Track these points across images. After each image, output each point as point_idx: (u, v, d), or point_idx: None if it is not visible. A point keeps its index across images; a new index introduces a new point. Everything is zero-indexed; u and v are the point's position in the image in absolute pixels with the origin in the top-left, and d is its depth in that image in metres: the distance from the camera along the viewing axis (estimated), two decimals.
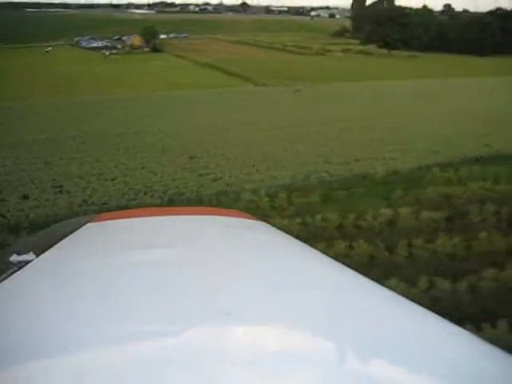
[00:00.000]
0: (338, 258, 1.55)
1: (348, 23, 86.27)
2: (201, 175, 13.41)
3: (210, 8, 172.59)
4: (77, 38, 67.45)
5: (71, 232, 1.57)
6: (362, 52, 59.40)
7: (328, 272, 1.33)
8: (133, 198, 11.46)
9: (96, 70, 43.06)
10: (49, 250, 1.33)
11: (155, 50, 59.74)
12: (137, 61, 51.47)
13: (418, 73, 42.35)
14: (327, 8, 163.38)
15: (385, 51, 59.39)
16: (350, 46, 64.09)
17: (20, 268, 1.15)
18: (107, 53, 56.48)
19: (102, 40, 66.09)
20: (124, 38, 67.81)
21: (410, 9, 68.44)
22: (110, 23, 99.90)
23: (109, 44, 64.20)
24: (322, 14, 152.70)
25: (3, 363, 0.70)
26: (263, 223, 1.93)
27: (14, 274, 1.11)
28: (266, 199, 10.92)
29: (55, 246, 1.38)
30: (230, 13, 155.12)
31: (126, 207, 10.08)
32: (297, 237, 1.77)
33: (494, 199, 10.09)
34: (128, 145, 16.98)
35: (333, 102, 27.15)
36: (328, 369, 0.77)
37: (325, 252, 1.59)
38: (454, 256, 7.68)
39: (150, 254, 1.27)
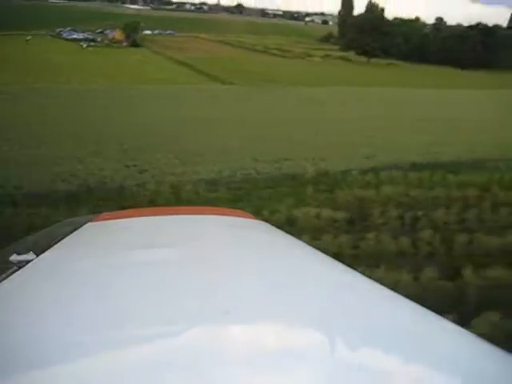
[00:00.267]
0: None
1: (335, 30, 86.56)
2: (127, 166, 13.41)
3: (205, 8, 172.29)
4: (58, 29, 67.08)
5: (71, 232, 1.58)
6: (341, 58, 59.53)
7: (328, 271, 1.35)
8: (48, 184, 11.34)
9: (68, 60, 42.97)
10: (49, 250, 1.33)
11: (135, 44, 59.45)
12: (112, 54, 51.37)
13: (392, 81, 42.43)
14: (322, 14, 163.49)
15: (364, 59, 59.58)
16: (330, 52, 64.16)
17: (20, 268, 1.15)
18: (85, 45, 56.20)
19: (83, 32, 65.73)
20: (107, 31, 67.61)
21: (396, 19, 68.73)
22: (102, 16, 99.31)
23: (90, 36, 63.86)
24: (316, 20, 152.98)
25: (3, 366, 0.69)
26: (263, 223, 1.96)
27: (14, 274, 1.10)
28: (170, 190, 10.96)
29: (55, 246, 1.39)
30: (224, 13, 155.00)
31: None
32: None
33: (405, 203, 10.19)
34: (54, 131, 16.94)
35: (293, 104, 27.13)
36: (326, 365, 0.76)
37: None
38: (338, 254, 7.50)
39: (150, 254, 1.29)
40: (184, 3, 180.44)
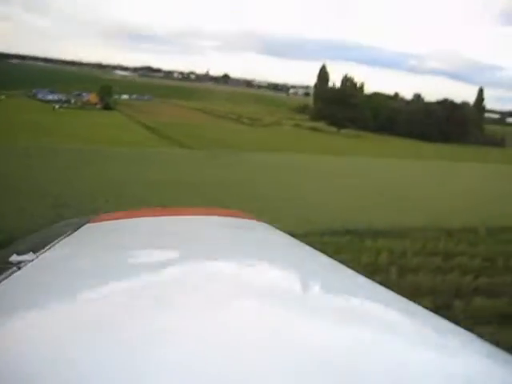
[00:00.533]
0: None
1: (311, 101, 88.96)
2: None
3: (193, 77, 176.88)
4: (35, 90, 68.27)
5: (71, 232, 1.58)
6: (311, 128, 60.72)
7: (328, 272, 1.35)
8: None
9: (36, 120, 43.40)
10: (49, 250, 1.33)
11: (108, 107, 60.49)
12: (82, 115, 52.09)
13: (352, 150, 43.15)
14: (306, 87, 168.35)
15: (333, 129, 60.91)
16: (301, 122, 65.59)
17: (20, 268, 1.15)
18: (57, 106, 57.19)
19: (58, 94, 66.95)
20: (84, 94, 68.86)
21: (374, 94, 70.75)
22: (86, 80, 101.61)
23: (63, 98, 65.03)
24: (299, 92, 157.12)
25: (3, 366, 0.68)
26: (264, 223, 1.96)
27: (14, 274, 1.10)
28: None
29: (55, 246, 1.38)
30: (211, 83, 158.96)
31: None
32: None
33: None
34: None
35: (243, 169, 27.30)
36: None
37: None
38: None
39: (149, 255, 1.30)
40: (172, 72, 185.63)
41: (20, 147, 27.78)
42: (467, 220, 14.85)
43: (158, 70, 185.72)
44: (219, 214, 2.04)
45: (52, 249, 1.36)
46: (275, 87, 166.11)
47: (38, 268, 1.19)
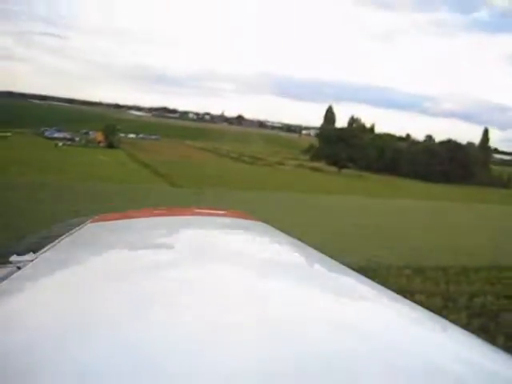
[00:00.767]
0: None
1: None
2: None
3: (207, 118, 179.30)
4: (43, 128, 69.71)
5: (71, 232, 1.59)
6: (312, 168, 60.72)
7: (327, 272, 1.36)
8: None
9: (37, 156, 44.03)
10: (49, 250, 1.34)
11: (111, 146, 61.29)
12: (83, 153, 52.62)
13: (348, 190, 42.82)
14: (318, 128, 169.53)
15: (334, 169, 60.85)
16: (305, 162, 65.63)
17: (20, 268, 1.15)
18: (60, 143, 58.17)
19: (65, 132, 68.41)
20: (90, 132, 70.10)
21: (381, 135, 70.73)
22: (98, 119, 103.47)
23: (69, 136, 66.45)
24: (312, 133, 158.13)
25: (3, 366, 0.68)
26: (263, 223, 1.97)
27: (14, 274, 1.10)
28: None
29: (55, 246, 1.40)
30: (225, 124, 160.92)
31: None
32: None
33: None
34: None
35: (226, 206, 27.14)
36: None
37: None
38: None
39: (149, 255, 1.31)
40: (187, 112, 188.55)
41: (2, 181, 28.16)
42: (443, 259, 14.59)
43: (174, 111, 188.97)
44: (218, 215, 2.09)
45: (52, 249, 1.37)
46: (289, 128, 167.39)
47: (38, 268, 1.19)
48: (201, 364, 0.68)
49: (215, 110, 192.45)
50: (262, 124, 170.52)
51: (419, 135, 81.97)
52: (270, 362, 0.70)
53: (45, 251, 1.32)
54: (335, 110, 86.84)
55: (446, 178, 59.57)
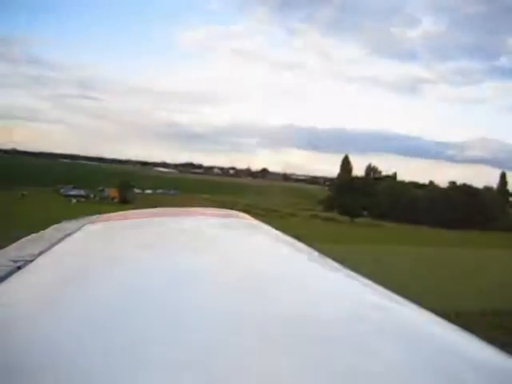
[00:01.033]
0: None
1: None
2: None
3: (232, 172, 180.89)
4: (61, 186, 71.34)
5: (71, 232, 1.63)
6: (325, 218, 60.11)
7: (326, 272, 1.37)
8: None
9: (42, 212, 44.64)
10: (49, 250, 1.36)
11: (125, 201, 61.89)
12: (92, 208, 53.28)
13: (354, 238, 42.02)
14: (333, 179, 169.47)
15: (347, 218, 60.09)
16: (318, 212, 65.10)
17: (20, 268, 1.16)
18: (74, 200, 59.90)
19: (81, 189, 70.25)
20: (106, 189, 71.24)
21: (393, 183, 69.99)
22: (124, 177, 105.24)
23: (84, 193, 68.22)
24: None
25: (3, 366, 0.68)
26: (262, 224, 2.00)
27: (14, 274, 1.11)
28: None
29: (55, 246, 1.42)
30: (249, 177, 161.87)
31: None
32: None
33: None
34: None
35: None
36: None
37: None
38: None
39: (149, 255, 1.32)
40: (212, 167, 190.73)
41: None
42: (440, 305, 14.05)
43: (199, 166, 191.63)
44: (217, 215, 2.11)
45: (52, 249, 1.37)
46: (313, 180, 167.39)
47: (38, 268, 1.19)
48: (200, 364, 0.67)
49: (240, 165, 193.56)
50: (286, 177, 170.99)
51: (443, 182, 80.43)
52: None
53: (45, 251, 1.32)
54: (362, 160, 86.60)
55: (462, 223, 58.09)
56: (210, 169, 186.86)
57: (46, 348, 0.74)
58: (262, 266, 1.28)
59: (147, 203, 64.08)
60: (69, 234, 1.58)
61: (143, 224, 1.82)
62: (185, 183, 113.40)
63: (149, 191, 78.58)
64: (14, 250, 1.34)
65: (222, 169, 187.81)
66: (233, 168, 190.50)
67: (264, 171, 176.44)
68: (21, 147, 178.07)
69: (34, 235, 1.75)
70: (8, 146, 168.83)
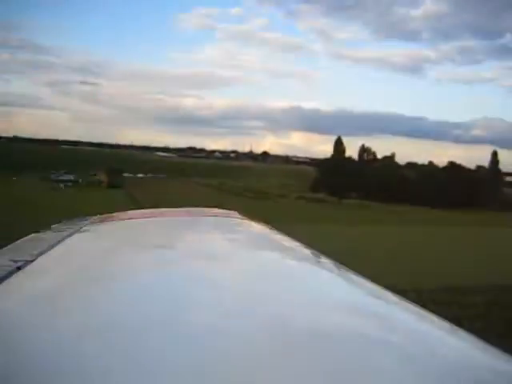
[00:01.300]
0: None
1: None
2: None
3: (232, 155, 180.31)
4: (52, 172, 71.89)
5: (71, 232, 1.64)
6: (313, 199, 59.88)
7: (326, 272, 1.37)
8: None
9: (28, 196, 44.95)
10: (49, 251, 1.36)
11: (114, 186, 62.05)
12: (75, 193, 53.81)
13: (337, 219, 41.75)
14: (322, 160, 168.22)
15: (335, 199, 59.89)
16: (307, 194, 64.85)
17: (20, 268, 1.16)
18: (61, 185, 60.76)
19: (70, 174, 71.20)
20: (99, 174, 71.57)
21: (384, 164, 69.55)
22: (123, 162, 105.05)
23: (73, 178, 69.10)
24: None
25: (4, 366, 0.68)
26: (261, 224, 2.02)
27: (14, 274, 1.11)
28: None
29: (55, 247, 1.41)
30: (249, 161, 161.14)
31: None
32: None
33: None
34: None
35: None
36: None
37: None
38: None
39: (148, 255, 1.33)
40: (214, 151, 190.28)
41: None
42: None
43: (202, 150, 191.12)
44: (218, 215, 2.11)
45: (52, 249, 1.36)
46: (314, 162, 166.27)
47: (38, 268, 1.19)
48: (199, 366, 0.67)
49: (243, 148, 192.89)
50: (287, 159, 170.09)
51: (445, 163, 79.15)
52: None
53: (45, 251, 1.32)
54: (366, 142, 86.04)
55: (449, 203, 57.60)
56: (211, 153, 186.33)
57: (45, 349, 0.73)
58: (257, 265, 1.28)
59: (134, 186, 64.35)
60: (69, 235, 1.58)
61: (143, 224, 1.84)
62: (181, 167, 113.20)
63: (140, 175, 78.66)
64: (14, 250, 1.33)
65: (223, 152, 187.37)
66: (234, 151, 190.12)
67: (265, 154, 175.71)
68: (21, 134, 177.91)
69: (34, 235, 1.74)
70: (6, 133, 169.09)
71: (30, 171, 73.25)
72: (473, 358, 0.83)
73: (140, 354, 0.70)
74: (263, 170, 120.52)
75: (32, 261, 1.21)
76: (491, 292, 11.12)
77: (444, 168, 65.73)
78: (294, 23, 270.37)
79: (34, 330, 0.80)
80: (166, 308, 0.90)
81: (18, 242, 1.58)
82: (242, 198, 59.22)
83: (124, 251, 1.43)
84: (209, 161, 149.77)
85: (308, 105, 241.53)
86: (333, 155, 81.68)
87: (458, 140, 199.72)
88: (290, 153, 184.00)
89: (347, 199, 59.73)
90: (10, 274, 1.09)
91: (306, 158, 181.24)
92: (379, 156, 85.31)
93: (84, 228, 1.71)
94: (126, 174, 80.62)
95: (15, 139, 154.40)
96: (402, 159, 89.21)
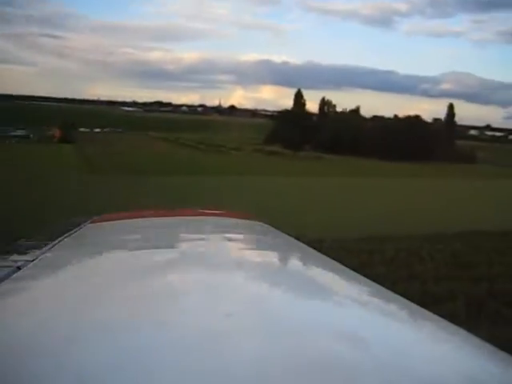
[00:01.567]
0: None
1: None
2: None
3: (199, 110, 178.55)
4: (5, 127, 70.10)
5: (72, 232, 1.61)
6: (269, 152, 59.67)
7: (327, 273, 1.35)
8: None
9: None
10: (49, 250, 1.34)
11: (66, 141, 60.91)
12: (22, 147, 52.81)
13: (290, 171, 41.69)
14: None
15: (290, 152, 59.79)
16: (261, 147, 64.67)
17: (20, 268, 1.16)
18: (13, 141, 59.41)
19: (23, 130, 69.51)
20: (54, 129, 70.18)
21: (339, 116, 69.33)
22: (87, 117, 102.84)
23: (25, 133, 67.35)
24: None
25: (4, 367, 0.68)
26: (264, 224, 1.95)
27: (14, 274, 1.11)
28: None
29: (55, 246, 1.40)
30: (216, 114, 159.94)
31: None
32: None
33: None
34: None
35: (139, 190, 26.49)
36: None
37: None
38: None
39: (150, 255, 1.31)
40: (181, 106, 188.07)
41: None
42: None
43: (168, 105, 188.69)
44: (219, 215, 2.06)
45: (52, 249, 1.36)
46: None
47: (38, 268, 1.19)
48: (198, 368, 0.66)
49: (212, 102, 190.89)
50: (254, 113, 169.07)
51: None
52: (267, 366, 0.68)
53: (45, 251, 1.32)
54: (335, 96, 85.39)
55: (404, 155, 57.88)
56: (178, 107, 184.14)
57: (45, 349, 0.73)
58: (261, 270, 1.24)
59: (87, 141, 63.24)
60: (69, 234, 1.56)
61: (144, 224, 1.80)
62: (143, 122, 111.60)
63: (97, 130, 77.38)
64: (15, 250, 1.32)
65: (190, 107, 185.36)
66: (202, 106, 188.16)
67: (232, 108, 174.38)
68: None
69: (34, 235, 1.69)
70: None
71: None
72: (469, 356, 0.83)
73: (140, 355, 0.69)
74: (227, 123, 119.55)
75: (32, 261, 1.20)
76: (406, 241, 11.15)
77: (400, 120, 65.77)
78: None
79: (34, 330, 0.79)
80: (166, 309, 0.89)
81: (19, 241, 1.55)
82: (194, 150, 58.76)
83: (125, 251, 1.41)
84: (174, 115, 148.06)
85: (278, 58, 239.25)
86: (292, 108, 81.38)
87: (426, 94, 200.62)
88: (260, 107, 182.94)
89: (302, 152, 59.61)
90: (10, 273, 1.09)
91: (275, 111, 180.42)
92: (347, 109, 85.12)
93: (84, 228, 1.70)
94: (82, 129, 79.41)
95: None
96: (370, 113, 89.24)
